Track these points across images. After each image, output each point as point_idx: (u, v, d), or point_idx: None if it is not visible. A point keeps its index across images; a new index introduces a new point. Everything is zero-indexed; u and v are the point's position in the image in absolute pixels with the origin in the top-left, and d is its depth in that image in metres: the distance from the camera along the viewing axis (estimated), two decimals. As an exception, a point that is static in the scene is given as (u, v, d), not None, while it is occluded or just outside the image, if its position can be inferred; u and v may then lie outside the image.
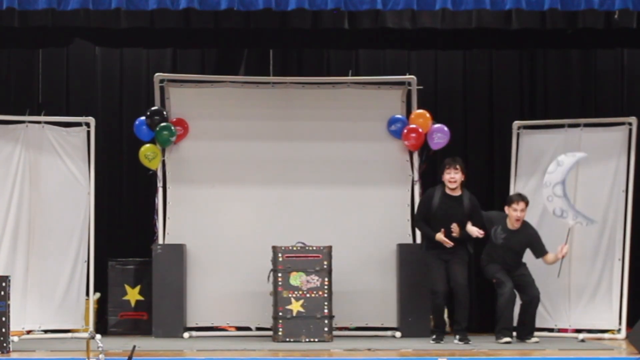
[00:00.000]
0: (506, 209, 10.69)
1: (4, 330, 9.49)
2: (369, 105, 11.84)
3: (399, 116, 11.81)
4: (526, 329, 10.63)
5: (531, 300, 10.57)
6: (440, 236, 10.37)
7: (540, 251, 10.73)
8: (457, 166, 10.53)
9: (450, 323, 12.01)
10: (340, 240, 11.25)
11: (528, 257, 10.87)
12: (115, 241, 12.54)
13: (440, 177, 10.72)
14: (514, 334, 10.60)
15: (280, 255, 10.90)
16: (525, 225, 10.72)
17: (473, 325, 12.05)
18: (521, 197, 10.67)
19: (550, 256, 10.69)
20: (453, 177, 10.51)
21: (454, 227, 10.34)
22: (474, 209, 10.56)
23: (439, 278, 10.46)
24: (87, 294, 11.39)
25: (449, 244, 10.36)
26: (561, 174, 10.57)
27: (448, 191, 10.56)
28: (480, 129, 12.82)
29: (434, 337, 10.52)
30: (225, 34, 11.92)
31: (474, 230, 10.40)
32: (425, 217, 10.60)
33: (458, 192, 10.56)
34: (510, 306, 10.45)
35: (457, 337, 10.44)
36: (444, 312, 10.76)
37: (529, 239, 10.72)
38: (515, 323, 10.66)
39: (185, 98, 11.82)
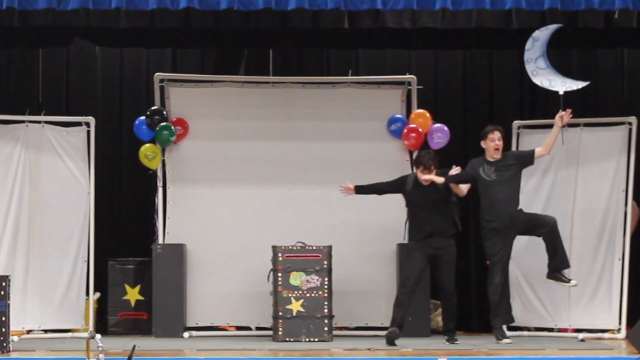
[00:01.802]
0: (483, 143, 10.62)
1: (4, 330, 9.50)
2: (369, 105, 11.85)
3: (399, 116, 11.81)
4: (559, 261, 10.43)
5: (551, 229, 10.41)
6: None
7: (529, 154, 10.65)
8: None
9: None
10: (340, 240, 11.25)
11: (530, 253, 10.88)
12: (115, 241, 12.55)
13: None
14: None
15: (280, 255, 10.90)
16: (505, 152, 10.65)
17: (473, 325, 12.06)
18: (495, 127, 10.64)
19: (546, 139, 10.57)
20: (426, 179, 10.47)
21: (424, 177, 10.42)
22: (445, 183, 10.50)
23: (413, 272, 10.36)
24: (87, 293, 11.39)
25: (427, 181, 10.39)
26: (539, 48, 10.59)
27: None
28: (480, 129, 12.75)
29: (389, 329, 10.29)
30: (225, 33, 11.92)
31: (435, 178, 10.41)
32: (382, 189, 10.75)
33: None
34: (494, 298, 10.40)
35: (445, 337, 10.48)
36: (407, 309, 10.47)
37: (515, 156, 10.69)
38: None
39: (185, 98, 11.82)
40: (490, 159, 10.59)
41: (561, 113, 10.54)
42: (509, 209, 10.47)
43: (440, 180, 10.46)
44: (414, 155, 11.72)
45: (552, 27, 10.80)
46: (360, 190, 10.91)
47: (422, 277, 10.53)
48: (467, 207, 12.65)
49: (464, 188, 10.71)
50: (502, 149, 10.60)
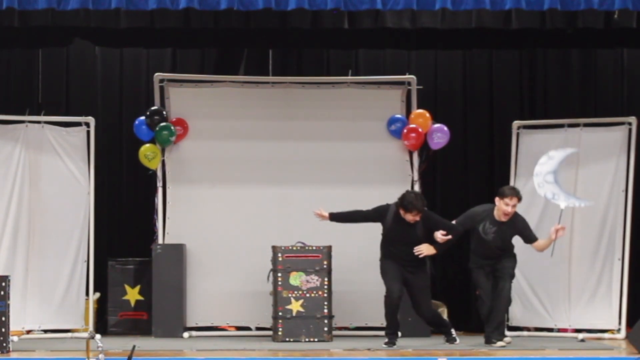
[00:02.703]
0: (497, 200, 10.27)
1: (4, 330, 9.50)
2: (369, 105, 11.85)
3: (399, 116, 11.81)
4: (492, 327, 10.20)
5: (499, 295, 10.20)
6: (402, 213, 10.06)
7: (530, 238, 10.38)
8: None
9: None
10: (340, 240, 11.25)
11: (530, 253, 10.88)
12: (115, 241, 12.55)
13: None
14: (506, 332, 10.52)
15: (280, 255, 10.90)
16: (513, 214, 10.33)
17: (472, 325, 12.05)
18: (515, 193, 10.28)
19: (541, 242, 10.33)
20: (412, 220, 10.15)
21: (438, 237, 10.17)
22: (429, 224, 10.21)
23: (393, 277, 10.16)
24: (87, 293, 11.39)
25: None
26: (552, 165, 10.45)
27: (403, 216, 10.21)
28: (480, 129, 12.82)
29: (386, 340, 10.22)
30: (225, 33, 11.93)
31: (437, 235, 10.11)
32: (358, 219, 10.50)
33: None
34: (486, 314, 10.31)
35: (445, 338, 10.46)
36: (398, 311, 10.34)
37: (519, 227, 10.35)
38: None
39: (185, 98, 11.82)
40: (497, 219, 10.27)
41: (557, 227, 10.19)
42: (500, 256, 10.32)
43: (432, 252, 10.20)
44: (414, 155, 11.74)
45: (568, 151, 10.59)
46: (334, 217, 10.54)
47: (403, 277, 10.26)
48: (467, 205, 12.68)
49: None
50: (510, 215, 10.24)
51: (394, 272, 10.21)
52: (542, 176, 10.43)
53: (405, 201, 10.11)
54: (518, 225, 10.34)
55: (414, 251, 10.15)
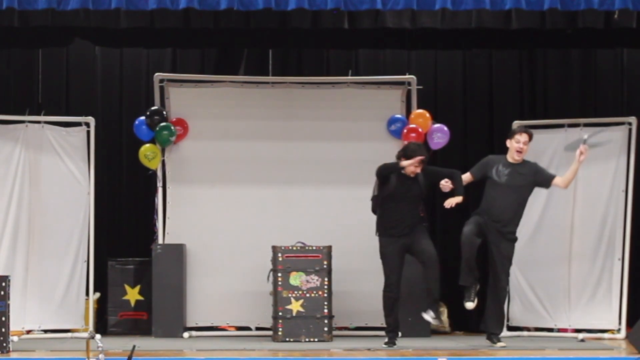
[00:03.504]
0: (508, 142, 10.20)
1: (3, 330, 9.49)
2: (369, 105, 11.85)
3: (399, 116, 11.81)
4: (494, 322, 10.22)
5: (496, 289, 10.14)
6: (406, 162, 9.97)
7: (548, 177, 10.23)
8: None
9: (450, 323, 12.05)
10: (340, 240, 11.26)
11: (530, 253, 10.87)
12: (115, 241, 12.54)
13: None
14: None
15: (280, 255, 10.90)
16: (525, 160, 10.20)
17: (472, 325, 12.06)
18: (524, 129, 10.20)
19: (564, 177, 10.15)
20: (415, 172, 10.10)
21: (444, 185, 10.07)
22: (431, 177, 10.15)
23: (394, 268, 10.08)
24: (87, 293, 11.39)
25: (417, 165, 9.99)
26: (575, 143, 10.38)
27: (404, 172, 10.11)
28: (480, 129, 12.82)
29: (386, 340, 10.13)
30: (225, 33, 11.93)
31: (442, 184, 10.01)
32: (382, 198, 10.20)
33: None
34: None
35: (430, 312, 10.07)
36: (397, 305, 10.24)
37: (533, 168, 10.20)
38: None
39: (185, 98, 11.83)
40: (510, 160, 10.18)
41: (582, 148, 10.13)
42: (504, 217, 10.14)
43: (458, 199, 10.07)
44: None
45: (578, 139, 10.42)
46: None
47: (402, 272, 10.18)
48: (467, 205, 12.68)
49: None
50: (524, 153, 10.16)
51: (394, 259, 10.08)
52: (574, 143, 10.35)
53: (408, 150, 10.09)
54: (532, 167, 10.20)
55: (445, 205, 10.04)
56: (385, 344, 10.15)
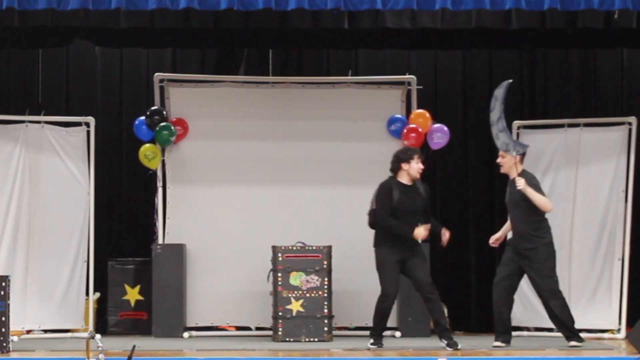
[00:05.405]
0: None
1: (3, 330, 9.49)
2: (369, 105, 11.85)
3: (399, 116, 11.81)
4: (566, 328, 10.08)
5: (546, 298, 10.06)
6: (420, 231, 9.83)
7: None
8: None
9: (450, 323, 12.02)
10: (340, 240, 11.26)
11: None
12: (115, 241, 12.55)
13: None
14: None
15: (280, 255, 10.90)
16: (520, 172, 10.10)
17: (472, 325, 12.06)
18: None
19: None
20: (422, 167, 10.06)
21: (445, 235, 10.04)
22: (428, 194, 10.12)
23: (391, 280, 9.95)
24: (87, 293, 11.40)
25: (424, 237, 9.89)
26: (499, 108, 10.23)
27: (404, 182, 10.01)
28: (480, 128, 12.78)
29: (371, 341, 10.03)
30: (225, 34, 11.93)
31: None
32: (390, 212, 9.96)
33: (411, 182, 10.06)
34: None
35: (445, 342, 9.86)
36: (389, 314, 10.18)
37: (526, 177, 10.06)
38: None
39: (185, 98, 11.83)
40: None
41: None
42: (515, 233, 10.10)
43: (446, 233, 10.05)
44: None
45: (505, 84, 10.22)
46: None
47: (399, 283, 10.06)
48: (467, 205, 12.70)
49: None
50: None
51: (392, 269, 9.97)
52: (495, 125, 10.22)
53: (404, 155, 10.00)
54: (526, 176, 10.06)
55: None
56: (372, 344, 10.02)
